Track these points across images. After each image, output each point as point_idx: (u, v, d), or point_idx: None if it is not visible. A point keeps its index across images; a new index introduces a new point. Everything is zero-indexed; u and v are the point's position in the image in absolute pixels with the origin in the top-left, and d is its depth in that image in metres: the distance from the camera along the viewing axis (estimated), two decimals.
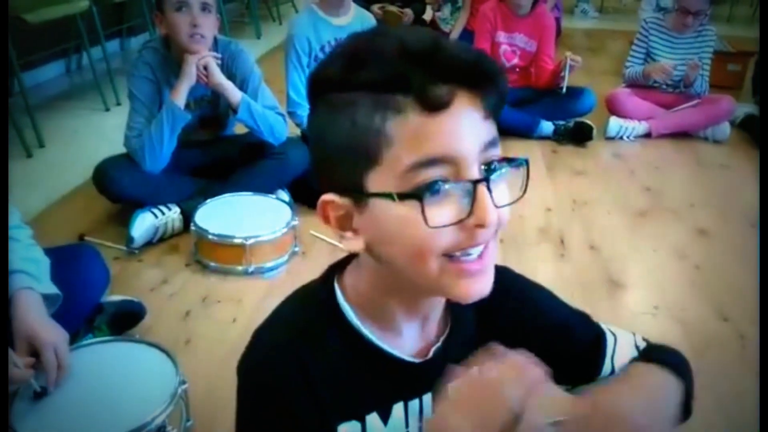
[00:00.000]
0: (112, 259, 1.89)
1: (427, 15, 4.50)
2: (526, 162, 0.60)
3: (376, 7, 4.14)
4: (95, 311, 1.50)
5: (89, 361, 1.25)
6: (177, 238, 2.04)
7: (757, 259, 1.98)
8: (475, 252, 0.58)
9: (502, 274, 0.77)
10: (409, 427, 0.69)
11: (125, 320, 1.56)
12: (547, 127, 2.98)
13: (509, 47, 3.03)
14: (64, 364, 1.16)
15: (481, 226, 0.55)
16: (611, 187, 2.59)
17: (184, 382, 1.22)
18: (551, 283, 2.04)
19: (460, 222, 0.55)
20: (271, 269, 1.90)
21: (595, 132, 2.94)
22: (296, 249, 1.99)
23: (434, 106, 0.53)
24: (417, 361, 0.67)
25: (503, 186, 0.59)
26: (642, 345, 0.82)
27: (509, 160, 0.59)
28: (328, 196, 0.60)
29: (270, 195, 2.10)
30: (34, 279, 1.20)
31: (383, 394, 0.67)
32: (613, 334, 0.81)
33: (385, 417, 0.67)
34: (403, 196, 0.54)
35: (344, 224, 0.60)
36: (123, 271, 1.88)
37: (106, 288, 1.53)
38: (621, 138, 3.01)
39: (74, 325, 1.43)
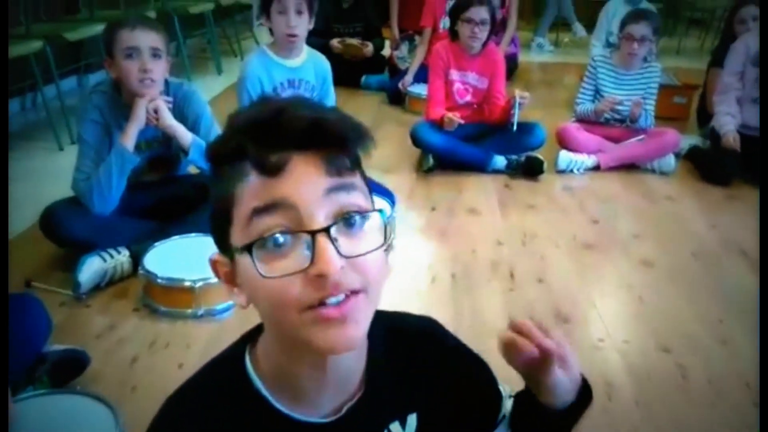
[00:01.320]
0: (58, 305, 1.87)
1: (387, 51, 4.60)
2: (381, 212, 0.61)
3: (335, 41, 4.22)
4: (37, 362, 1.48)
5: (28, 416, 1.23)
6: (126, 281, 2.02)
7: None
8: (332, 300, 0.57)
9: (428, 328, 0.80)
10: None
11: (68, 369, 1.53)
12: (500, 161, 3.06)
13: (462, 85, 3.11)
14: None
15: (321, 276, 0.55)
16: (560, 220, 2.66)
17: None
18: (500, 317, 2.07)
19: (300, 272, 0.56)
20: (222, 311, 1.90)
21: (546, 166, 3.03)
22: None
23: (269, 170, 0.57)
24: (326, 420, 0.67)
25: (366, 237, 0.59)
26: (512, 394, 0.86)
27: (367, 209, 0.61)
28: (214, 255, 0.65)
29: None
30: None
31: None
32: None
33: None
34: (242, 249, 0.58)
35: (231, 281, 0.63)
36: (69, 318, 1.85)
37: (47, 338, 1.51)
38: (571, 171, 3.10)
39: (14, 377, 1.41)
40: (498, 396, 0.83)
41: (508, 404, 0.84)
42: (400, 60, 4.33)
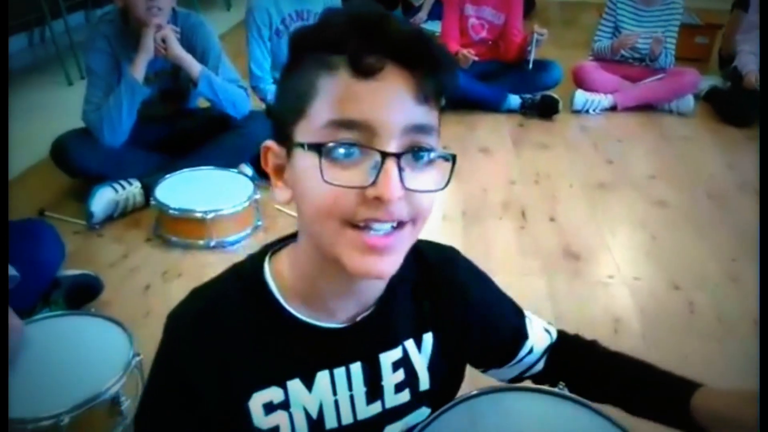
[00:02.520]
0: (72, 233, 1.89)
1: None
2: (453, 157, 0.60)
3: None
4: (52, 286, 1.50)
5: (44, 335, 1.25)
6: (138, 212, 2.04)
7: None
8: (381, 228, 0.57)
9: (448, 254, 0.79)
10: (337, 395, 0.69)
11: (82, 294, 1.56)
12: (514, 100, 3.00)
13: (477, 20, 3.02)
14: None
15: (379, 198, 0.55)
16: (575, 160, 2.62)
17: (138, 354, 1.24)
18: (511, 255, 2.07)
19: (358, 188, 0.56)
20: (233, 243, 1.91)
21: (561, 105, 2.97)
22: (259, 223, 2.00)
23: (363, 70, 0.55)
24: (339, 326, 0.68)
25: (428, 175, 0.59)
26: (550, 329, 0.85)
27: (438, 150, 0.59)
28: (269, 142, 0.63)
29: (233, 169, 2.10)
30: None
31: (305, 362, 0.68)
32: (528, 317, 0.85)
33: (308, 384, 0.68)
34: (310, 147, 0.56)
35: (279, 173, 0.63)
36: (83, 246, 1.88)
37: (61, 263, 1.53)
38: (587, 111, 3.04)
39: (30, 300, 1.44)
40: (516, 333, 0.82)
41: (533, 344, 0.83)
42: None
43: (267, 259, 0.69)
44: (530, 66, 2.88)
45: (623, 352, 0.84)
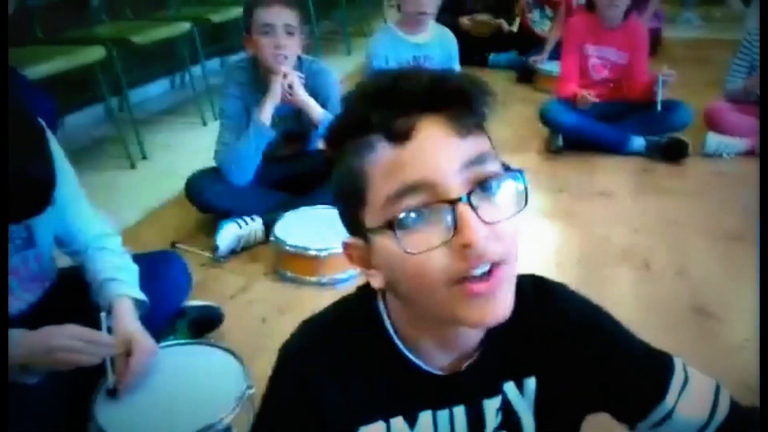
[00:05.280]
0: (198, 265, 2.01)
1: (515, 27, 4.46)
2: (521, 173, 0.59)
3: (465, 19, 4.16)
4: (177, 314, 1.60)
5: (167, 362, 1.33)
6: (259, 247, 2.14)
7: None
8: (478, 272, 0.57)
9: (555, 289, 0.75)
10: None
11: (204, 324, 1.65)
12: (638, 142, 2.86)
13: (599, 60, 2.93)
14: (142, 371, 1.24)
15: (467, 245, 0.55)
16: (705, 208, 2.43)
17: (251, 387, 1.28)
18: (631, 309, 1.96)
19: (444, 244, 0.55)
20: (344, 281, 1.95)
21: (690, 149, 2.78)
22: None
23: (397, 136, 0.56)
24: (445, 374, 0.68)
25: (505, 202, 0.58)
26: (720, 402, 0.72)
27: (503, 173, 0.59)
28: (347, 239, 0.65)
29: None
30: (127, 286, 1.31)
31: (410, 402, 0.69)
32: (686, 373, 0.72)
33: (411, 423, 0.69)
34: (381, 228, 0.57)
35: (366, 263, 0.64)
36: (207, 277, 1.99)
37: (188, 293, 1.63)
38: (720, 155, 2.83)
39: (158, 326, 1.53)
40: (647, 388, 0.71)
41: (673, 408, 0.70)
42: (534, 24, 4.18)
43: (380, 297, 0.70)
44: (659, 108, 2.74)
45: None
